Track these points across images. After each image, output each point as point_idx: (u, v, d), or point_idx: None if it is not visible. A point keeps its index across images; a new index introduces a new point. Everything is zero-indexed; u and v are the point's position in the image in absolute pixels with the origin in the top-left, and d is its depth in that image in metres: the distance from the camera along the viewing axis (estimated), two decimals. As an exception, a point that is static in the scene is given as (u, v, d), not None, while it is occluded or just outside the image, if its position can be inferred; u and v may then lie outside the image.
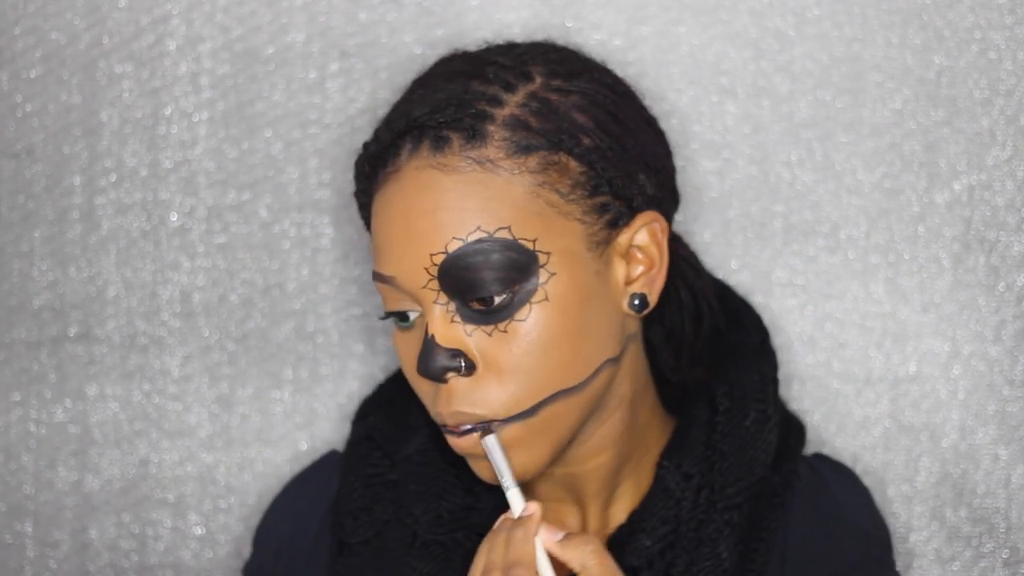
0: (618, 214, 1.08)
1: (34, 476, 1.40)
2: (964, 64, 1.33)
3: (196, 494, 1.40)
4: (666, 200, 1.12)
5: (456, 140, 1.05)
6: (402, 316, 1.08)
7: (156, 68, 1.36)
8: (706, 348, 1.20)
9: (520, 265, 1.04)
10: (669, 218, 1.13)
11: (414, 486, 1.17)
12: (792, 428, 1.20)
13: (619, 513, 1.16)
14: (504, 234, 1.04)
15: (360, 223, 1.36)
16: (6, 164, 1.38)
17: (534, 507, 1.04)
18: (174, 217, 1.38)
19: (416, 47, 1.35)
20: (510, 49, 1.12)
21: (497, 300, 1.04)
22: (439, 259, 1.04)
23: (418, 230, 1.05)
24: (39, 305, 1.39)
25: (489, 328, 1.05)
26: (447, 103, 1.06)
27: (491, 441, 1.05)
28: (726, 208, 1.34)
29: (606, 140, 1.07)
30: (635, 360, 1.13)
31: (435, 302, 1.05)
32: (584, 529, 1.16)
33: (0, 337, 1.39)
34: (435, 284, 1.05)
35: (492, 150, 1.05)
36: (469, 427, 1.06)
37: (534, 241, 1.04)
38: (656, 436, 1.16)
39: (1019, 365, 1.34)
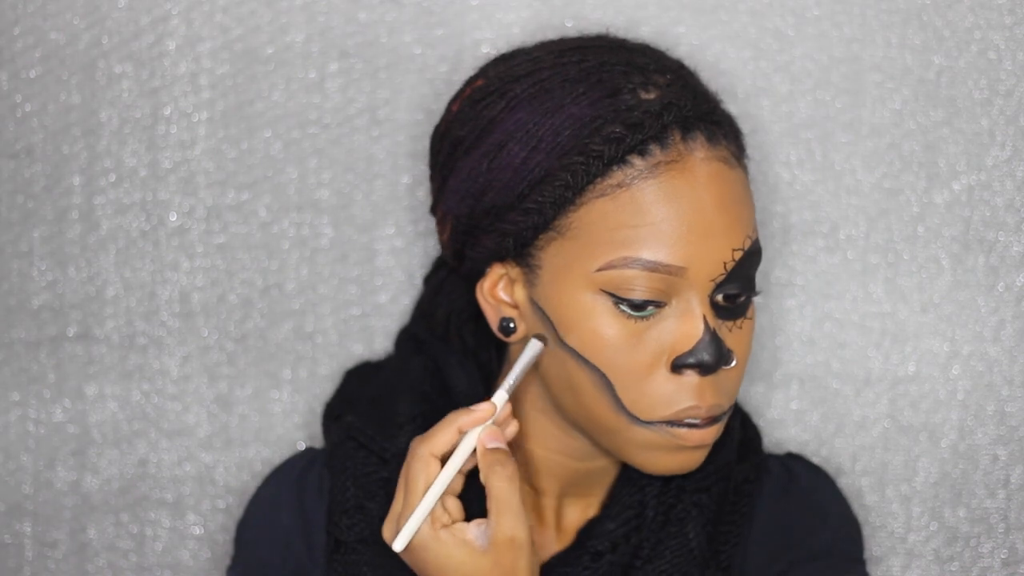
0: None
1: (33, 476, 1.40)
2: (964, 64, 1.33)
3: (195, 494, 1.40)
4: None
5: (719, 133, 1.06)
6: (657, 304, 1.05)
7: (156, 68, 1.36)
8: None
9: None
10: None
11: None
12: (750, 425, 1.23)
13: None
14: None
15: (360, 223, 1.36)
16: (6, 164, 1.37)
17: (489, 408, 1.04)
18: (173, 217, 1.38)
19: (416, 47, 1.35)
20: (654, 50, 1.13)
21: (741, 297, 1.06)
22: (738, 255, 1.04)
23: (719, 224, 1.04)
24: (38, 305, 1.38)
25: (730, 324, 1.06)
26: (704, 94, 1.07)
27: (538, 346, 1.06)
28: (726, 208, 1.35)
29: None
30: None
31: (710, 295, 1.05)
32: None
33: (0, 337, 1.39)
34: (722, 278, 1.04)
35: (736, 148, 1.08)
36: (715, 417, 1.06)
37: None
38: None
39: (1018, 365, 1.34)
